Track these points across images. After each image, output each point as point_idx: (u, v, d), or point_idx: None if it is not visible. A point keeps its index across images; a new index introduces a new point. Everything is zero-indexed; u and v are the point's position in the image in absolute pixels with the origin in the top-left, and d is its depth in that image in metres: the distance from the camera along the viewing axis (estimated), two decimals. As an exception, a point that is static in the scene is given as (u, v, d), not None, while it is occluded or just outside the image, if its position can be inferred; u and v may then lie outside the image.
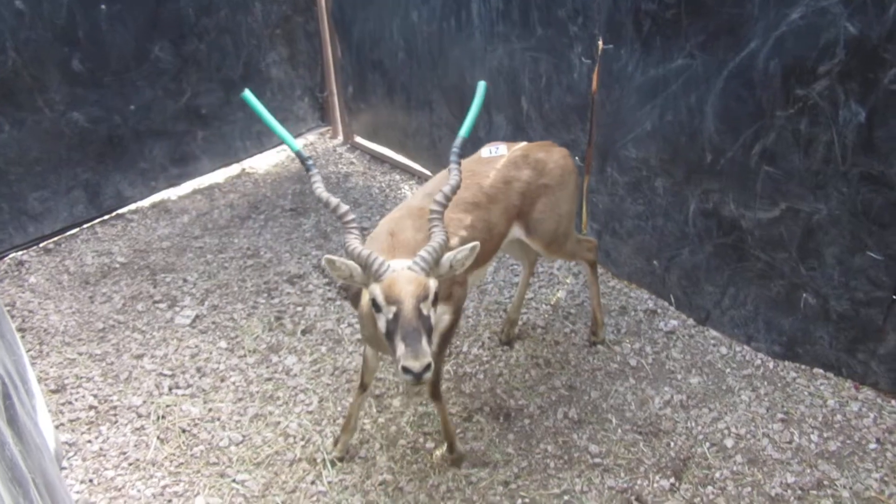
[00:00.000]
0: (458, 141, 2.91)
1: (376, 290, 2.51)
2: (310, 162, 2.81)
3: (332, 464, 3.50)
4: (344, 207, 2.68)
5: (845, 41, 3.14)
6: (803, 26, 3.25)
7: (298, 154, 2.83)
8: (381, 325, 2.55)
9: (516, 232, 3.58)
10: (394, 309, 2.47)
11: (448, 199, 2.73)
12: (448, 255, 2.65)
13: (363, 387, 3.46)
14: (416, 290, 2.48)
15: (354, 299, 3.11)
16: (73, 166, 5.34)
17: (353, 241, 2.58)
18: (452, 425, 3.56)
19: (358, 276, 2.59)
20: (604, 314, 4.30)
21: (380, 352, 3.25)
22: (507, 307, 4.54)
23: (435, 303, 2.60)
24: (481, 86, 3.09)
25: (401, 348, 2.43)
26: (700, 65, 3.70)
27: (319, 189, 2.71)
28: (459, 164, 2.85)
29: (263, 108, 2.93)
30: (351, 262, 2.57)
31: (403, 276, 2.50)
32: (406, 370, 2.40)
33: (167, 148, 5.87)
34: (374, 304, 2.54)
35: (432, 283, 2.56)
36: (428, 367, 2.41)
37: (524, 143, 3.69)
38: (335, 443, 3.55)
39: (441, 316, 3.09)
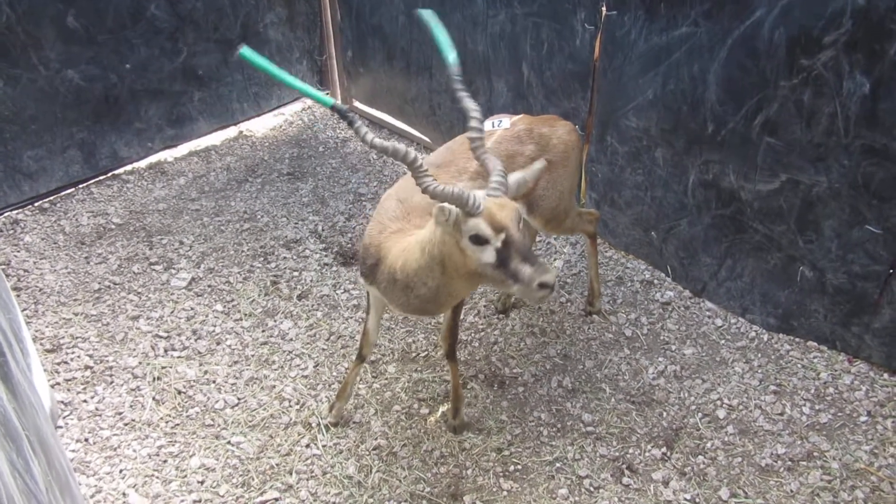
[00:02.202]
0: (454, 69, 2.73)
1: (480, 224, 2.44)
2: (351, 114, 2.57)
3: (327, 428, 3.52)
4: (413, 153, 2.50)
5: (852, 11, 3.08)
6: (811, -5, 3.20)
7: (335, 108, 2.58)
8: (489, 257, 2.47)
9: None
10: (503, 236, 2.43)
11: (482, 122, 2.64)
12: (516, 176, 2.63)
13: (361, 358, 3.46)
14: (514, 214, 2.48)
15: (370, 272, 2.99)
16: (69, 125, 5.29)
17: (435, 183, 2.47)
18: (462, 390, 3.58)
19: (453, 218, 2.47)
20: (600, 284, 4.30)
21: (426, 316, 3.10)
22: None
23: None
24: (427, 13, 2.90)
25: (527, 269, 2.42)
26: (704, 33, 3.65)
27: (375, 138, 2.51)
28: (467, 90, 2.72)
29: (271, 64, 2.66)
30: (449, 206, 2.45)
31: (497, 203, 2.47)
32: (544, 285, 2.41)
33: (163, 108, 5.80)
34: (477, 238, 2.46)
35: (518, 205, 2.54)
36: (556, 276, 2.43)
37: (528, 117, 3.62)
38: (330, 409, 3.56)
39: None
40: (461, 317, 3.65)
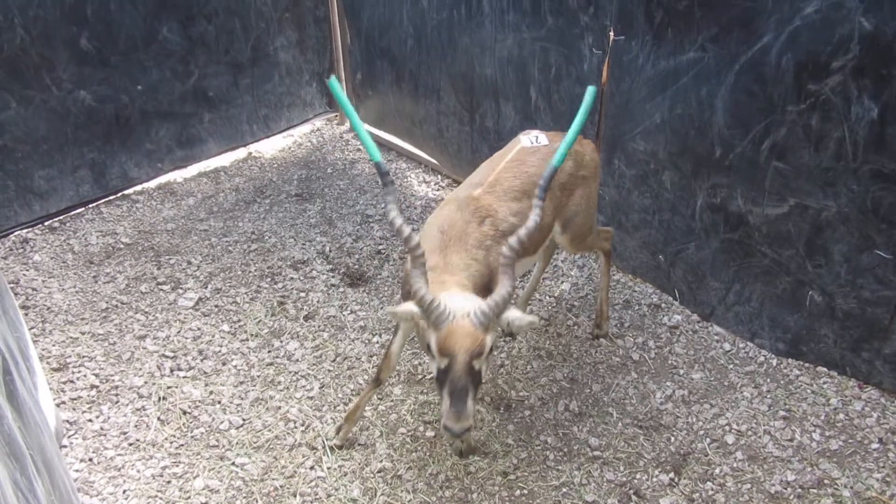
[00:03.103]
0: (547, 172, 2.67)
1: (431, 338, 2.44)
2: (388, 178, 2.61)
3: (332, 450, 3.49)
4: (416, 240, 2.51)
5: (860, 36, 3.10)
6: (818, 20, 3.21)
7: (378, 166, 2.63)
8: (433, 368, 2.50)
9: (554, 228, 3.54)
10: (446, 361, 2.40)
11: (523, 243, 2.56)
12: (509, 315, 2.53)
13: (378, 382, 3.42)
14: (472, 346, 2.39)
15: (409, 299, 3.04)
16: (80, 145, 5.34)
17: (420, 281, 2.45)
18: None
19: (417, 318, 2.49)
20: (608, 307, 4.28)
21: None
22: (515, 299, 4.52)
23: (490, 353, 2.52)
24: (590, 92, 2.76)
25: (445, 403, 2.38)
26: (712, 58, 3.67)
27: (394, 213, 2.55)
28: (544, 200, 2.66)
29: (348, 100, 2.74)
30: (412, 308, 2.46)
31: (461, 330, 2.39)
32: (447, 428, 2.38)
33: (174, 130, 5.85)
34: (427, 347, 2.47)
35: (489, 339, 2.45)
36: (468, 429, 2.37)
37: (560, 134, 3.60)
38: (337, 431, 3.53)
39: None
40: None
